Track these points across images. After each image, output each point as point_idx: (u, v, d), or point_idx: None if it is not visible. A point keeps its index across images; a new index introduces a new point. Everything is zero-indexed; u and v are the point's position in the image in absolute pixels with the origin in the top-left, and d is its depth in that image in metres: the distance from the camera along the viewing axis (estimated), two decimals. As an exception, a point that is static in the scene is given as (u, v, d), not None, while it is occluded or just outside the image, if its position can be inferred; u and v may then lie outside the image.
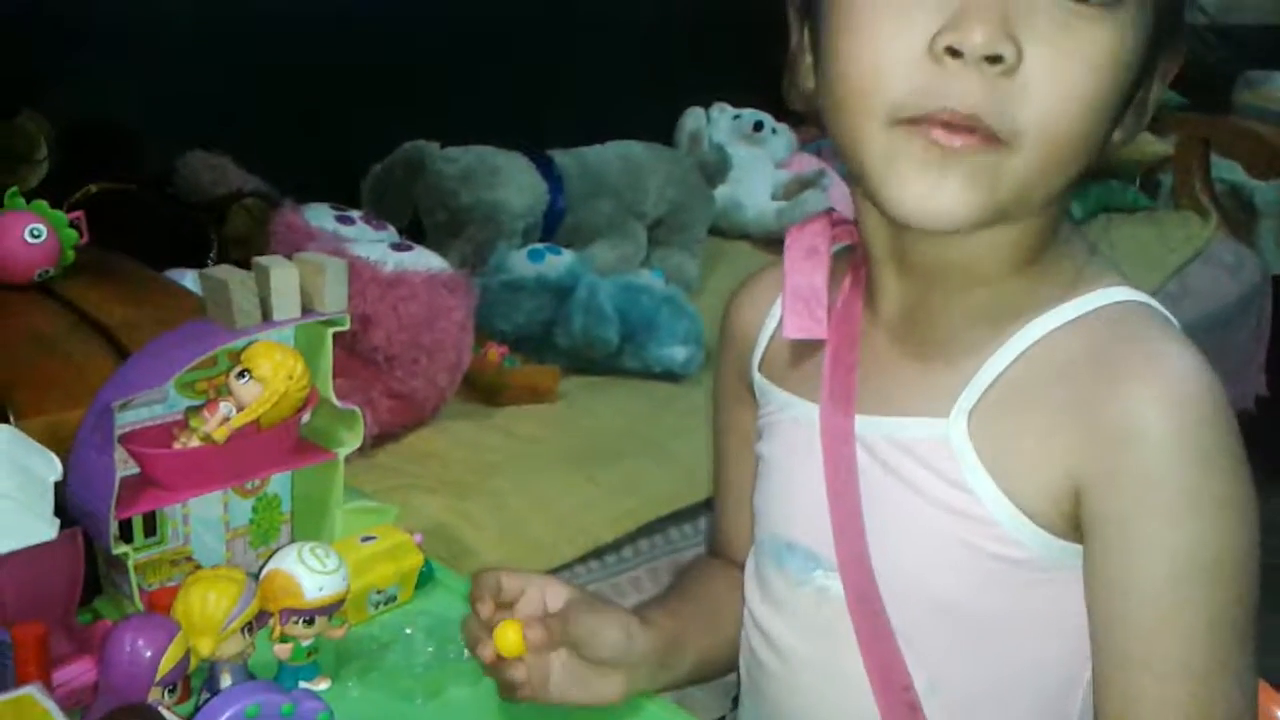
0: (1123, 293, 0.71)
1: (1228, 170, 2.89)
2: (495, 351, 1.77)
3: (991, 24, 0.61)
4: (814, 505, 0.76)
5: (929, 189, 0.65)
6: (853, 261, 0.79)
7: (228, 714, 0.58)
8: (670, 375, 1.87)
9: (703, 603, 0.87)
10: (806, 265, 0.78)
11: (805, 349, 0.78)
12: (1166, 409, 0.66)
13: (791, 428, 0.79)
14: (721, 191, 2.43)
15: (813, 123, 2.81)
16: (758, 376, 0.83)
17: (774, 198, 2.52)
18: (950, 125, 0.63)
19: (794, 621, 0.79)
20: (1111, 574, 0.68)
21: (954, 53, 0.62)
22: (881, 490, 0.73)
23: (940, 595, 0.72)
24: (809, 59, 0.73)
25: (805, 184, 2.50)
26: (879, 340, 0.76)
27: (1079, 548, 0.69)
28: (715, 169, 2.39)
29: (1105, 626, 0.69)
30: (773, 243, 2.38)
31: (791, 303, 0.78)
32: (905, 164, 0.65)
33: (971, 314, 0.72)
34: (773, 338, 0.83)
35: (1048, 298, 0.71)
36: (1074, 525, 0.69)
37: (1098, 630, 0.69)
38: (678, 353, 1.87)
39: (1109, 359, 0.68)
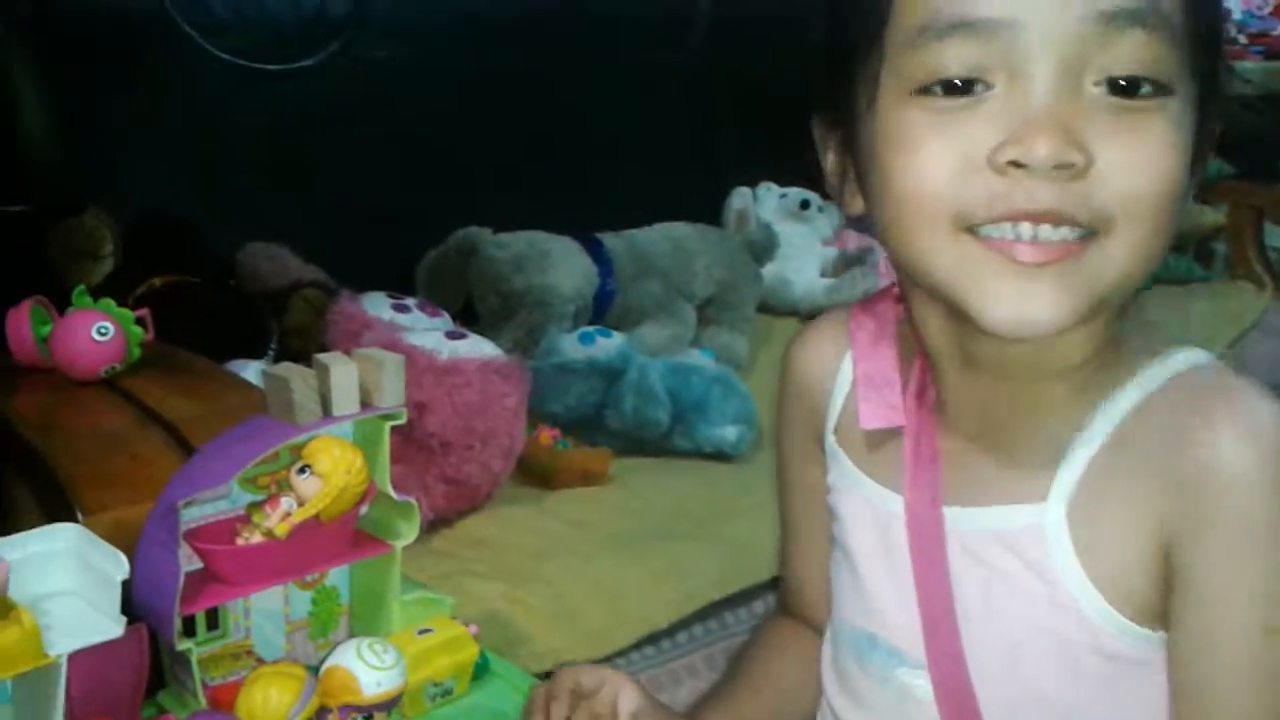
0: (1191, 357, 0.71)
1: (1280, 238, 2.86)
2: (547, 435, 1.78)
3: (1055, 134, 0.60)
4: (898, 600, 0.74)
5: (1019, 304, 0.63)
6: (919, 345, 0.77)
7: (290, 814, 0.58)
8: (722, 455, 1.88)
9: (768, 694, 0.86)
10: (875, 351, 0.77)
11: (879, 435, 0.77)
12: (1247, 448, 0.64)
13: (869, 515, 0.77)
14: (769, 270, 2.45)
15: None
16: (831, 441, 0.81)
17: (822, 274, 2.53)
18: (1032, 218, 0.61)
19: (873, 714, 0.77)
20: (1198, 624, 0.66)
21: (1019, 165, 0.61)
22: (971, 583, 0.72)
23: (1032, 689, 0.71)
24: (853, 185, 0.73)
25: (852, 261, 2.51)
26: (949, 428, 0.74)
27: (1162, 636, 0.68)
28: (763, 247, 2.41)
29: (1191, 686, 0.67)
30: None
31: (865, 391, 0.76)
32: (989, 277, 0.63)
33: (1048, 402, 0.71)
34: (844, 407, 0.80)
35: (1123, 376, 0.70)
36: (1162, 613, 0.68)
37: (1183, 690, 0.68)
38: (729, 432, 1.87)
39: (1189, 418, 0.67)
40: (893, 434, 0.76)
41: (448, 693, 0.89)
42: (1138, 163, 0.62)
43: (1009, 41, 0.61)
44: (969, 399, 0.73)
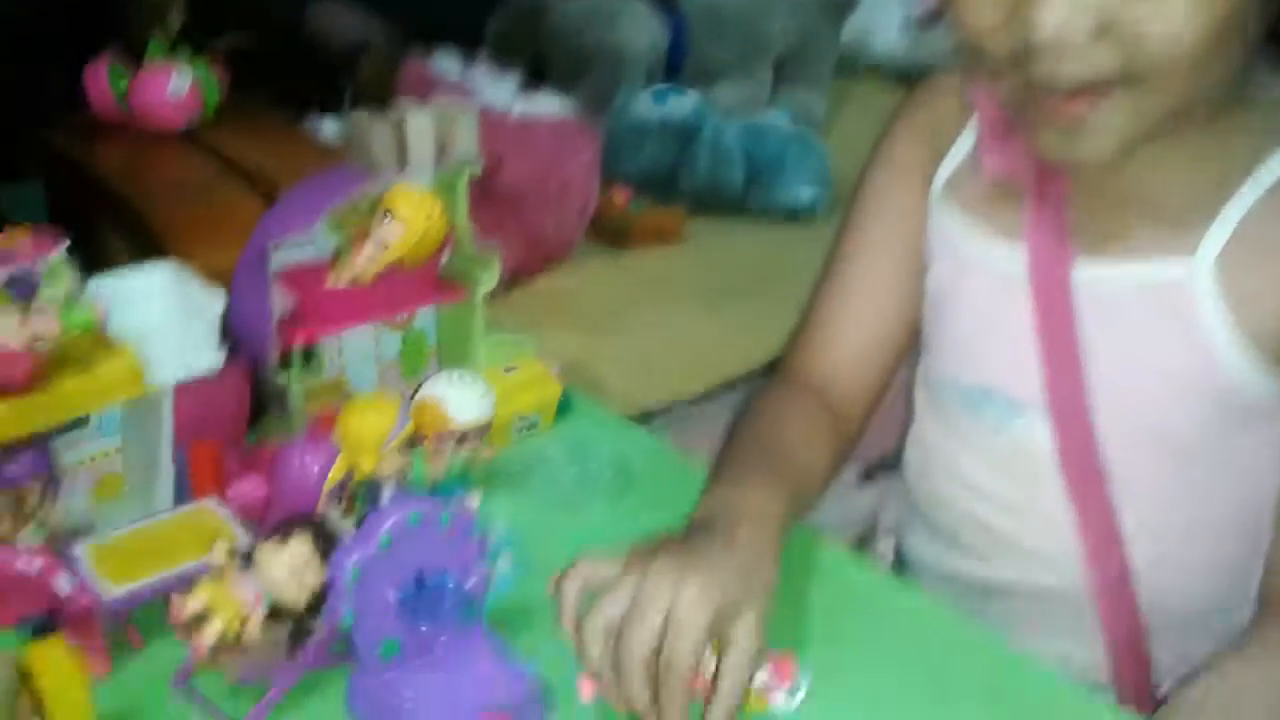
0: None
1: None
2: (621, 194, 1.78)
3: (1058, 9, 0.59)
4: (1017, 352, 0.74)
5: (1063, 145, 0.65)
6: None
7: (394, 519, 0.62)
8: (796, 215, 1.87)
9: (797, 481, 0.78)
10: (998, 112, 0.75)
11: (1002, 185, 0.76)
12: None
13: (986, 266, 0.77)
14: (849, 26, 2.36)
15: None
16: (941, 192, 0.80)
17: (904, 30, 2.44)
18: (1054, 91, 0.62)
19: (988, 464, 0.79)
20: None
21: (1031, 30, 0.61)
22: (1100, 336, 0.72)
23: (1160, 439, 0.72)
24: None
25: (937, 15, 2.41)
26: (1087, 179, 0.73)
27: None
28: (843, 1, 2.32)
29: None
30: (903, 78, 2.32)
31: (991, 139, 0.75)
32: (1033, 118, 0.65)
33: (1189, 157, 0.70)
34: (963, 163, 0.80)
35: (1269, 142, 0.70)
36: None
37: None
38: (804, 193, 1.86)
39: None
40: (1015, 191, 0.75)
41: (533, 426, 0.92)
42: (1159, 28, 0.60)
43: None
44: (1099, 169, 0.72)
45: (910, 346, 0.86)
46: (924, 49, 2.33)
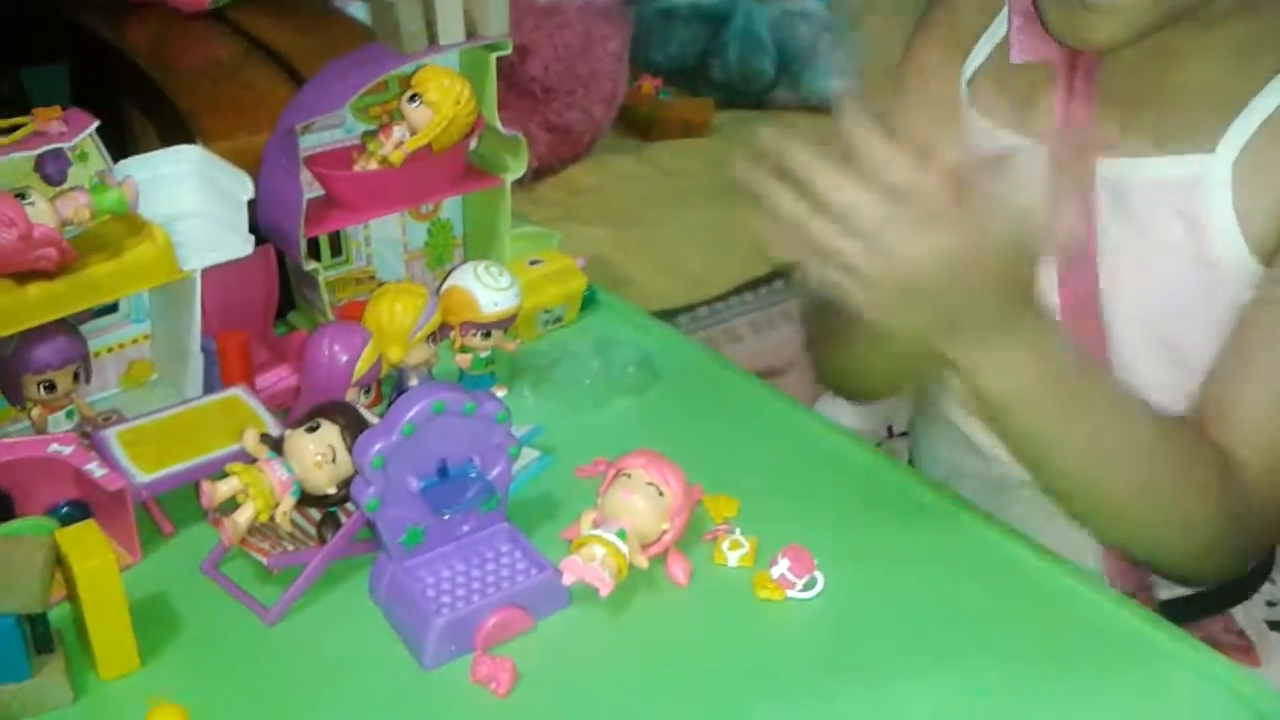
0: None
1: None
2: (649, 84, 1.75)
3: None
4: None
5: (1072, 26, 0.66)
6: None
7: (417, 408, 0.63)
8: (828, 108, 1.83)
9: None
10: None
11: (1021, 81, 0.75)
12: None
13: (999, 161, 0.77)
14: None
15: None
16: (966, 90, 0.80)
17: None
18: None
19: None
20: None
21: None
22: (1113, 228, 0.73)
23: (1157, 331, 0.73)
24: None
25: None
26: (1111, 74, 0.73)
27: None
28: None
29: (1255, 327, 0.69)
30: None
31: (1021, 21, 0.74)
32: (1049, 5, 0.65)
33: (1213, 55, 0.70)
34: (990, 56, 0.79)
35: None
36: None
37: (1245, 327, 0.69)
38: (836, 84, 1.83)
39: None
40: (1039, 84, 0.74)
41: (558, 319, 0.92)
42: None
43: None
44: (1128, 58, 0.71)
45: None
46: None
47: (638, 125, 1.73)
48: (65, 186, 0.73)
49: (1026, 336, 0.61)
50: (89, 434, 0.72)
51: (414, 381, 0.79)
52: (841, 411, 0.99)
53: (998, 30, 0.79)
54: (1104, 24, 0.64)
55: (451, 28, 0.85)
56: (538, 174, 1.54)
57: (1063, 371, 0.64)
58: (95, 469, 0.67)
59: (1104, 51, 0.67)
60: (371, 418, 0.67)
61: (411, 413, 0.62)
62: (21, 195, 0.68)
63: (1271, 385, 0.68)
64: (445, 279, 0.82)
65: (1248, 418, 0.68)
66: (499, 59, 0.88)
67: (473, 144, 0.91)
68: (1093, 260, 0.74)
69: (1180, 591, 0.80)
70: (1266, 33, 0.70)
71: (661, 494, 0.66)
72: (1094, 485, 0.67)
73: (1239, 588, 0.82)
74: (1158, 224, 0.71)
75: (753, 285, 1.50)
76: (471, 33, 0.86)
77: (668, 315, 1.42)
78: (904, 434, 0.99)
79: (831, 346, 0.82)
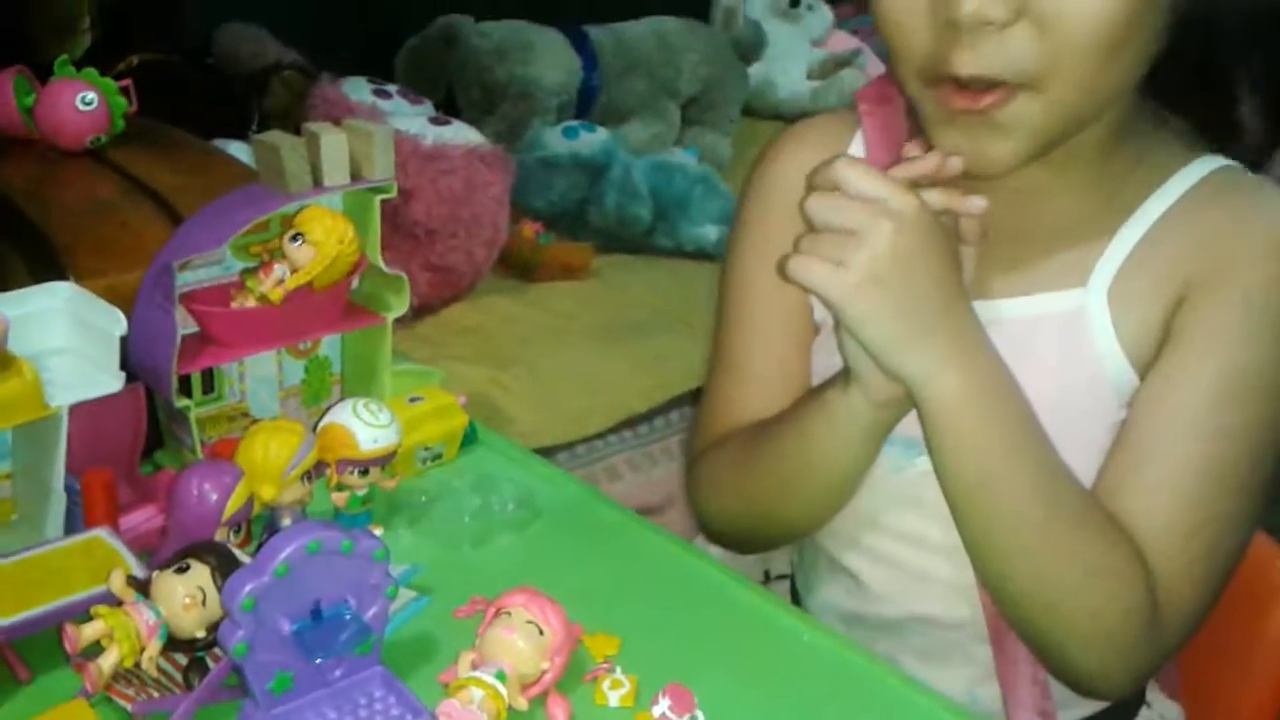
0: (1216, 161, 0.75)
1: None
2: (530, 228, 1.79)
3: None
4: None
5: (971, 146, 0.68)
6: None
7: (292, 547, 0.61)
8: (702, 254, 1.90)
9: None
10: (888, 139, 0.79)
11: None
12: (1274, 233, 0.72)
13: None
14: (756, 69, 2.42)
15: (850, 1, 2.78)
16: None
17: (809, 77, 2.50)
18: (967, 87, 0.66)
19: (890, 501, 0.80)
20: (1168, 371, 0.72)
21: (953, 23, 0.64)
22: None
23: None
24: None
25: (841, 63, 2.48)
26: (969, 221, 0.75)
27: None
28: (750, 46, 2.37)
29: (1134, 432, 0.73)
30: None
31: (876, 138, 0.78)
32: (944, 123, 0.68)
33: (1074, 194, 0.74)
34: None
35: (1152, 178, 0.74)
36: None
37: (1126, 435, 0.73)
38: (710, 232, 1.89)
39: (1220, 210, 0.73)
40: None
41: (438, 457, 0.92)
42: (1073, 10, 0.63)
43: None
44: (993, 201, 0.74)
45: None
46: (828, 95, 2.39)
47: (518, 267, 1.76)
48: (-70, 321, 0.71)
49: (975, 334, 0.69)
50: (-60, 577, 0.68)
51: (287, 521, 0.78)
52: (716, 554, 0.99)
53: None
54: (1002, 143, 0.67)
55: (337, 170, 0.86)
56: (418, 313, 1.54)
57: (1010, 393, 0.70)
58: (-53, 613, 0.63)
59: (996, 174, 0.69)
60: (244, 558, 0.66)
61: (285, 552, 0.61)
62: (-117, 330, 0.66)
63: (1173, 489, 0.71)
64: (323, 415, 0.81)
65: (1156, 526, 0.71)
66: (382, 201, 0.90)
67: (354, 283, 0.92)
68: None
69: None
70: (1124, 169, 0.75)
71: (542, 632, 0.66)
72: (1033, 531, 0.69)
73: (1124, 711, 0.84)
74: (1037, 355, 0.74)
75: (631, 423, 1.52)
76: (356, 175, 0.88)
77: (547, 452, 1.42)
78: (782, 576, 0.99)
79: (728, 494, 0.84)
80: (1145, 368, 0.73)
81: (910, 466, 0.78)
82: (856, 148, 0.82)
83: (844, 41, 2.59)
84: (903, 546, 0.82)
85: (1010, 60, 0.64)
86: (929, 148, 0.72)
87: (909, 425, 0.76)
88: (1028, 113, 0.66)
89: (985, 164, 0.69)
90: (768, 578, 1.01)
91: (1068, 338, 0.74)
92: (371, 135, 0.87)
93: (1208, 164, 0.75)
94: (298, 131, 0.87)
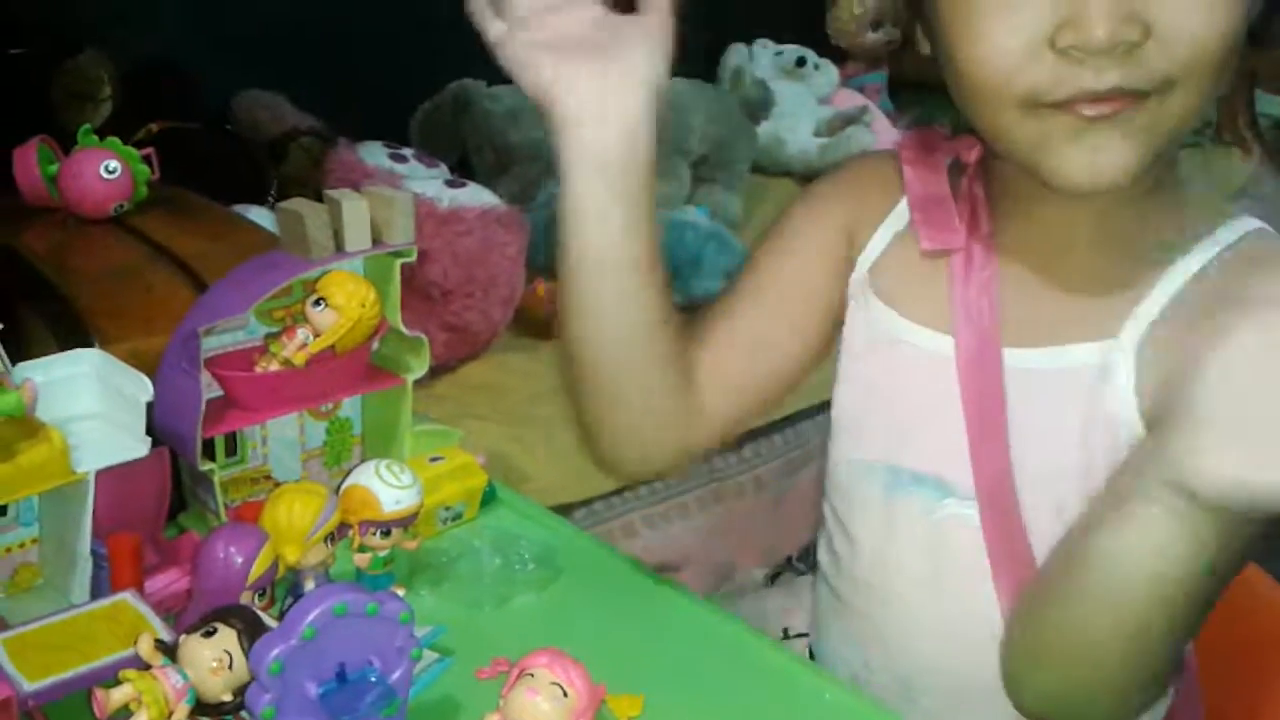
0: (1253, 223, 0.74)
1: (1271, 104, 2.86)
2: (544, 286, 1.80)
3: (1111, 13, 0.62)
4: (947, 437, 0.76)
5: (1090, 157, 0.66)
6: (967, 182, 0.78)
7: (318, 610, 0.62)
8: (715, 309, 1.91)
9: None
10: (930, 178, 0.78)
11: (922, 273, 0.78)
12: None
13: (916, 354, 0.78)
14: (764, 128, 2.44)
15: (856, 58, 2.81)
16: (864, 282, 0.81)
17: (817, 134, 2.53)
18: (1098, 99, 0.64)
19: (915, 547, 0.80)
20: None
21: (1078, 49, 0.63)
22: (1025, 416, 0.74)
23: (1075, 516, 0.72)
24: (921, 36, 0.74)
25: (848, 120, 2.50)
26: (1009, 265, 0.76)
27: None
28: (758, 105, 2.40)
29: None
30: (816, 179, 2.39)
31: (924, 215, 0.77)
32: (1059, 141, 0.66)
33: (1115, 244, 0.73)
34: (887, 249, 0.81)
35: (1190, 231, 0.73)
36: None
37: None
38: (720, 288, 1.90)
39: (1255, 271, 0.70)
40: (939, 275, 0.77)
41: (458, 516, 0.93)
42: (1197, 23, 0.63)
43: None
44: (1030, 248, 0.74)
45: (796, 376, 0.86)
46: (836, 152, 2.41)
47: (533, 325, 1.77)
48: (-40, 389, 0.72)
49: None
50: (-30, 643, 0.69)
51: (310, 583, 0.79)
52: (734, 612, 0.99)
53: (897, 222, 0.81)
54: (1128, 150, 0.66)
55: (358, 235, 0.88)
56: (435, 372, 1.55)
57: None
58: (-23, 679, 0.64)
59: (1108, 189, 0.67)
60: (269, 621, 0.66)
61: (312, 615, 0.62)
62: (-85, 398, 0.68)
63: None
64: (345, 477, 0.82)
65: None
66: (402, 264, 0.91)
67: (375, 345, 0.93)
68: (1006, 447, 0.75)
69: None
70: (1163, 220, 0.74)
71: (566, 694, 0.66)
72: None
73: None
74: (1065, 408, 0.73)
75: (645, 480, 1.52)
76: (377, 239, 0.89)
77: (565, 510, 1.43)
78: (801, 635, 0.99)
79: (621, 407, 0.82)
80: (1150, 421, 0.71)
81: (939, 509, 0.78)
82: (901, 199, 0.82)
83: (850, 99, 2.61)
84: (923, 592, 0.81)
85: (1140, 75, 0.64)
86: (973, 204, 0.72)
87: (941, 465, 0.77)
88: (1154, 118, 0.65)
89: (1104, 177, 0.66)
90: (786, 635, 1.01)
91: (1094, 388, 0.73)
92: (392, 201, 0.89)
93: (1245, 224, 0.74)
94: (316, 196, 0.89)
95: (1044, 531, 0.75)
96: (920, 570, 0.80)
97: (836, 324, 0.84)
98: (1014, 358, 0.75)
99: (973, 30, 0.66)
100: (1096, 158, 0.66)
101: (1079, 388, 0.73)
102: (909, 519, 0.79)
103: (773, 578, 1.11)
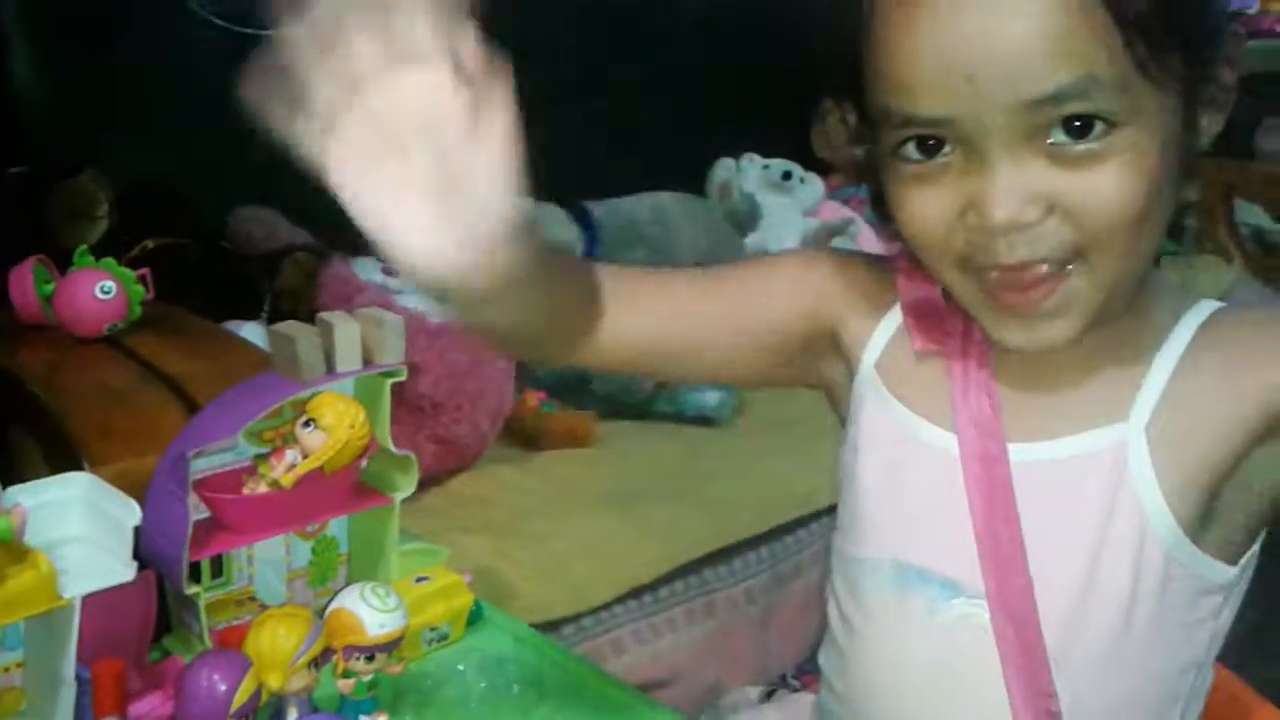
0: (1212, 304, 0.76)
1: (1251, 214, 2.92)
2: (534, 397, 1.82)
3: (1008, 199, 0.65)
4: (955, 535, 0.76)
5: (1026, 334, 0.69)
6: None
7: (302, 742, 0.62)
8: (703, 420, 1.92)
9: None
10: (923, 285, 0.79)
11: (926, 371, 0.79)
12: None
13: (915, 451, 0.78)
14: (751, 240, 2.48)
15: (841, 172, 2.87)
16: (873, 375, 0.81)
17: (803, 245, 2.57)
18: (1009, 269, 0.66)
19: (922, 646, 0.78)
20: None
21: (987, 229, 0.66)
22: (1038, 509, 0.74)
23: (1100, 616, 0.74)
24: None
25: (834, 232, 2.55)
26: (1002, 365, 0.77)
27: (1208, 559, 0.73)
28: (745, 218, 2.45)
29: None
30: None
31: (916, 319, 0.79)
32: (994, 313, 0.70)
33: (1094, 341, 0.73)
34: (889, 346, 0.81)
35: (1165, 323, 0.75)
36: (1208, 532, 0.73)
37: None
38: (710, 398, 1.91)
39: (1253, 328, 0.74)
40: (938, 370, 0.78)
41: (444, 637, 0.93)
42: (1097, 201, 0.65)
43: (952, 129, 0.66)
44: (1024, 352, 0.75)
45: (693, 365, 0.84)
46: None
47: (523, 436, 1.78)
48: (-51, 516, 0.72)
49: None
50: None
51: (293, 709, 0.78)
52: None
53: (897, 318, 0.82)
54: (1059, 325, 0.68)
55: (349, 357, 0.89)
56: (423, 484, 1.53)
57: None
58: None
59: (1052, 352, 0.70)
60: (252, 750, 0.66)
61: (295, 745, 0.62)
62: (-96, 526, 0.68)
63: None
64: (331, 600, 0.82)
65: None
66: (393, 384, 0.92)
67: (363, 464, 0.94)
68: (1017, 543, 0.75)
69: None
70: (1132, 320, 0.74)
71: (549, 823, 0.65)
72: None
73: None
74: (1082, 495, 0.73)
75: (636, 593, 1.51)
76: (368, 360, 0.91)
77: (553, 626, 1.42)
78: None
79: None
80: (1190, 522, 0.72)
81: (947, 609, 0.78)
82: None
83: (835, 211, 2.66)
84: (932, 693, 0.79)
85: (1049, 246, 0.66)
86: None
87: (950, 563, 0.76)
88: (1077, 290, 0.67)
89: (1045, 344, 0.69)
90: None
91: (1111, 477, 0.73)
92: (383, 322, 0.91)
93: (1209, 306, 0.76)
94: (310, 311, 0.91)
95: (1058, 628, 0.74)
96: (928, 670, 0.79)
97: (770, 361, 0.84)
98: (1023, 452, 0.75)
99: (903, 201, 0.70)
100: (1032, 334, 0.69)
101: (1095, 473, 0.73)
102: (917, 617, 0.78)
103: (768, 694, 1.10)
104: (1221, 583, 0.75)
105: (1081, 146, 0.64)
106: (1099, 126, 0.64)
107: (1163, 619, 0.74)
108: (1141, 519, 0.72)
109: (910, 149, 0.68)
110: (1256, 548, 0.76)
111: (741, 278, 0.85)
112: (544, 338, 0.77)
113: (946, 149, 0.67)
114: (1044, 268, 0.66)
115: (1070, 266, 0.67)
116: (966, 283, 0.70)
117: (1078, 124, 0.64)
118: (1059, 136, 0.64)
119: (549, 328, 0.75)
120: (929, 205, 0.68)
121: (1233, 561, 0.75)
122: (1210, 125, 0.71)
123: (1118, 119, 0.64)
